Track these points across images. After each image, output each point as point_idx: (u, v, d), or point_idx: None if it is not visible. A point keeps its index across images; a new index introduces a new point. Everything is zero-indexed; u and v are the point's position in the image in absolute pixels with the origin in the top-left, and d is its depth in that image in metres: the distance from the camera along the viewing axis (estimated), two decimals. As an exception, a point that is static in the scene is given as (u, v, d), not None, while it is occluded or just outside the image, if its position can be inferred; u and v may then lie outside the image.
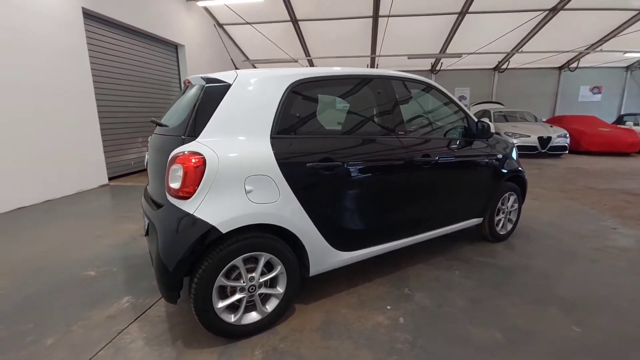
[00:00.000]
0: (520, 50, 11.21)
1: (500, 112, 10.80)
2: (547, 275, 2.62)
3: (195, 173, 1.69)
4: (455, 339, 1.89)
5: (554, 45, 10.77)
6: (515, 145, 3.53)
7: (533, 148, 8.76)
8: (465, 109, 2.91)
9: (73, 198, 5.20)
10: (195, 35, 9.30)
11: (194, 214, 1.69)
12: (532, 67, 12.41)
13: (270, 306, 1.97)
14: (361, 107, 2.49)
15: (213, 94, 1.86)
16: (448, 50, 11.50)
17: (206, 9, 9.77)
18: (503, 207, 3.22)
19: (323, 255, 2.12)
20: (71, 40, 5.40)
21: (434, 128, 2.92)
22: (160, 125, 2.20)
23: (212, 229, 1.68)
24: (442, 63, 12.73)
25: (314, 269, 2.11)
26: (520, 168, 3.31)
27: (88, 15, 5.80)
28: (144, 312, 2.18)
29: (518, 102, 12.64)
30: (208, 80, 1.93)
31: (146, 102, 7.57)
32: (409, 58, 11.39)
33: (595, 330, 1.96)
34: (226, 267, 1.76)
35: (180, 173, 1.70)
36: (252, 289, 1.87)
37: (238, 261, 1.79)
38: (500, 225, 3.26)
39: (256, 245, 1.83)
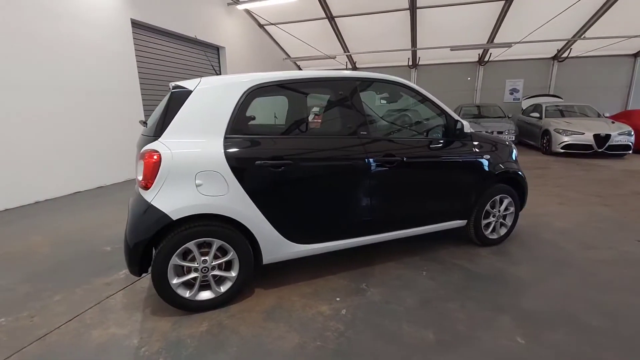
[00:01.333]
0: (582, 37, 9.91)
1: (557, 106, 9.74)
2: (521, 284, 2.49)
3: (153, 168, 2.00)
4: (384, 334, 1.96)
5: (627, 28, 9.33)
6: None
7: (587, 147, 7.79)
8: (445, 108, 2.84)
9: (121, 185, 6.05)
10: (236, 37, 9.92)
11: (151, 203, 2.00)
12: (599, 55, 10.87)
13: (224, 287, 2.23)
14: (319, 109, 2.60)
15: (176, 99, 2.14)
16: (496, 40, 10.64)
17: (247, 11, 10.34)
18: (494, 210, 3.07)
19: (276, 246, 2.31)
20: (121, 47, 6.22)
21: (405, 127, 2.90)
22: (145, 126, 2.56)
23: (164, 215, 1.98)
24: (490, 54, 11.80)
25: (267, 258, 2.31)
26: (517, 169, 3.12)
27: (136, 24, 6.60)
28: (132, 283, 2.59)
29: (582, 95, 11.20)
30: (175, 87, 2.22)
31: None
32: (451, 50, 10.79)
33: (542, 345, 1.86)
34: (179, 249, 2.04)
35: (142, 167, 2.03)
36: (205, 270, 2.14)
37: (191, 245, 2.07)
38: (490, 229, 3.11)
39: (207, 232, 2.09)
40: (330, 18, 10.46)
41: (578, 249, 3.07)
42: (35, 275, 2.72)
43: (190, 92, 2.15)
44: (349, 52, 12.52)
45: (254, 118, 2.26)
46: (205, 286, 2.21)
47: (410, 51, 12.11)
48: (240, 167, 2.12)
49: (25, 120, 4.76)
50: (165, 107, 2.16)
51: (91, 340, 1.94)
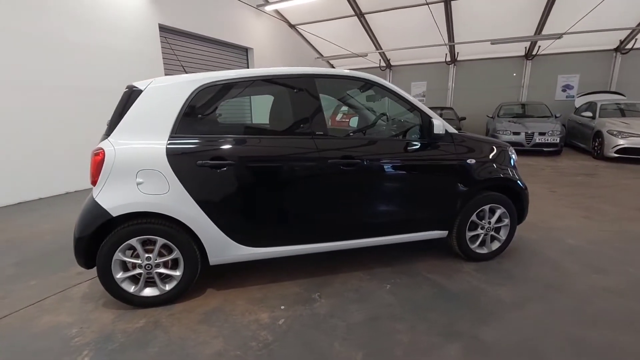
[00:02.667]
0: (653, 23, 8.49)
1: (617, 104, 8.50)
2: (494, 309, 2.16)
3: (97, 165, 2.07)
4: (311, 351, 1.81)
5: None
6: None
7: (648, 152, 6.68)
8: (421, 107, 2.57)
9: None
10: (265, 38, 10.11)
11: (95, 199, 2.07)
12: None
13: (169, 286, 2.24)
14: (270, 108, 2.49)
15: (128, 99, 2.19)
16: (545, 31, 9.55)
17: (277, 12, 10.48)
18: (482, 221, 2.73)
19: (222, 247, 2.27)
20: (148, 50, 6.65)
21: (372, 128, 2.68)
22: None
23: (105, 212, 2.03)
24: (539, 46, 10.62)
25: (214, 259, 2.28)
26: (513, 176, 2.74)
27: (163, 28, 7.01)
28: (102, 274, 2.72)
29: (653, 91, 9.63)
30: (129, 86, 2.27)
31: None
32: (492, 44, 9.92)
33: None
34: (122, 245, 2.09)
35: (90, 164, 2.10)
36: (149, 267, 2.17)
37: (133, 242, 2.11)
38: (478, 242, 2.76)
39: (149, 230, 2.11)
40: (360, 15, 10.20)
41: (583, 272, 2.61)
42: (26, 260, 2.98)
43: (141, 91, 2.19)
44: (381, 49, 12.13)
45: (200, 117, 2.23)
46: (151, 283, 2.24)
47: (447, 47, 11.37)
48: (181, 166, 2.11)
49: (60, 120, 5.29)
50: (117, 106, 2.22)
51: (38, 326, 2.06)
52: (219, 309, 2.21)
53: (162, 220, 2.13)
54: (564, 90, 10.90)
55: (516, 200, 2.79)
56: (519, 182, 2.77)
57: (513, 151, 2.91)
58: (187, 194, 2.13)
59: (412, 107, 2.58)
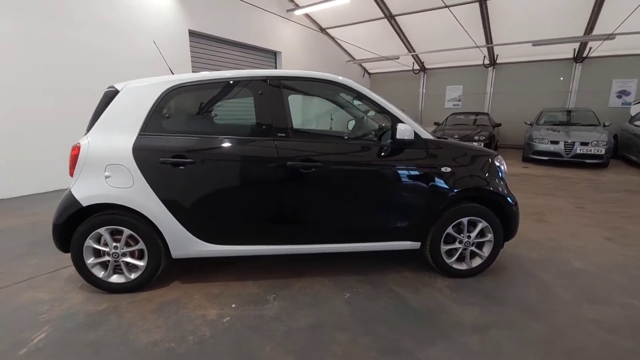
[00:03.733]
0: None
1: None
2: (450, 331, 2.00)
3: (73, 158, 2.26)
4: (242, 352, 1.82)
5: None
6: (500, 160, 2.64)
7: None
8: (391, 110, 2.45)
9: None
10: (293, 42, 10.30)
11: (70, 189, 2.26)
12: None
13: (134, 274, 2.38)
14: (234, 109, 2.53)
15: (106, 98, 2.37)
16: (596, 31, 8.61)
17: (307, 16, 10.64)
18: (461, 235, 2.53)
19: (183, 242, 2.35)
20: (178, 55, 7.11)
21: (337, 130, 2.60)
22: None
23: (76, 201, 2.22)
24: (590, 48, 9.58)
25: (175, 252, 2.38)
26: (497, 189, 2.51)
27: (193, 34, 7.45)
28: (92, 259, 2.96)
29: None
30: (109, 87, 2.45)
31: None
32: (533, 45, 9.18)
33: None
34: (92, 233, 2.27)
35: (69, 158, 2.31)
36: (115, 255, 2.33)
37: (102, 230, 2.27)
38: (456, 257, 2.57)
39: (116, 220, 2.27)
40: (390, 17, 10.00)
41: (574, 301, 2.31)
42: (37, 242, 3.32)
43: (117, 91, 2.36)
44: (414, 51, 11.77)
45: (167, 116, 2.34)
46: (119, 271, 2.39)
47: (485, 48, 10.72)
48: (145, 162, 2.23)
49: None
50: (98, 105, 2.41)
51: (17, 301, 2.29)
52: (174, 301, 2.30)
53: (128, 213, 2.27)
54: (619, 97, 9.72)
55: (502, 215, 2.55)
56: (503, 194, 2.53)
57: (502, 161, 2.66)
58: (150, 189, 2.25)
59: (381, 110, 2.47)
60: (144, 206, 2.25)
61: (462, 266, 2.60)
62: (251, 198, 2.35)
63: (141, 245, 2.32)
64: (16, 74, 4.88)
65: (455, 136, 9.05)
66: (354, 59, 13.15)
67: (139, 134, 2.27)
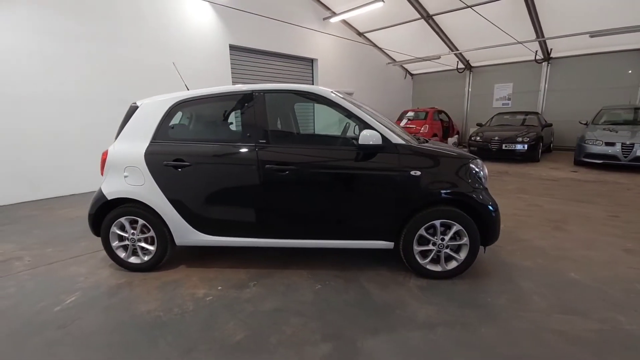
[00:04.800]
0: None
1: None
2: (399, 324, 2.12)
3: (103, 162, 2.86)
4: (209, 322, 2.17)
5: None
6: (477, 163, 2.62)
7: None
8: (360, 115, 2.59)
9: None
10: (330, 48, 10.61)
11: (101, 186, 2.86)
12: None
13: (148, 257, 2.89)
14: (225, 119, 2.89)
15: (129, 113, 2.93)
16: (671, 15, 7.46)
17: (344, 22, 10.89)
18: (435, 237, 2.60)
19: (184, 232, 2.81)
20: (219, 68, 7.89)
21: (310, 136, 2.82)
22: None
23: (103, 196, 2.80)
24: (666, 35, 8.28)
25: (178, 241, 2.84)
26: (472, 191, 2.53)
27: (233, 47, 8.19)
28: (125, 244, 3.60)
29: None
30: (133, 103, 3.00)
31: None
32: (590, 36, 8.29)
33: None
34: (116, 221, 2.83)
35: (100, 161, 2.91)
36: (133, 241, 2.87)
37: (123, 220, 2.83)
38: (430, 258, 2.64)
39: (133, 212, 2.80)
40: (427, 17, 9.79)
41: (547, 311, 2.24)
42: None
43: (137, 107, 2.91)
44: (457, 50, 11.31)
45: (172, 126, 2.82)
46: (136, 253, 2.93)
47: (536, 43, 9.90)
48: (153, 165, 2.73)
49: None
50: (123, 118, 2.98)
51: (64, 272, 2.94)
52: (176, 281, 2.76)
53: (142, 206, 2.79)
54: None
55: (478, 218, 2.55)
56: (477, 198, 2.53)
57: (481, 166, 2.65)
58: (157, 187, 2.74)
59: (349, 115, 2.64)
60: (152, 201, 2.75)
61: (437, 268, 2.66)
62: (237, 196, 2.72)
63: (152, 233, 2.83)
64: (86, 90, 5.94)
65: (496, 138, 8.59)
66: (394, 61, 13.03)
67: (151, 142, 2.78)
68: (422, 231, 2.59)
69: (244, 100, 2.74)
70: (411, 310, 2.27)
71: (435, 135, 11.08)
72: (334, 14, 10.04)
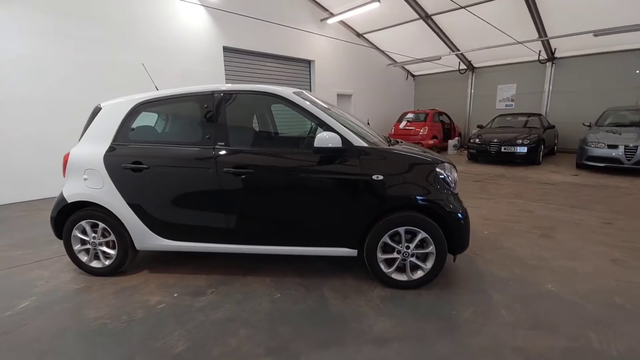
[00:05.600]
0: None
1: None
2: (350, 337, 2.00)
3: (64, 164, 2.81)
4: (154, 332, 2.08)
5: None
6: (444, 169, 2.48)
7: None
8: (321, 117, 2.47)
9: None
10: (327, 49, 10.51)
11: (62, 189, 2.81)
12: None
13: (109, 261, 2.83)
14: (185, 121, 2.81)
15: (93, 114, 2.87)
16: (680, 12, 7.13)
17: (343, 23, 10.78)
18: (400, 245, 2.46)
19: (143, 237, 2.73)
20: (213, 70, 7.86)
21: (272, 139, 2.72)
22: None
23: (63, 199, 2.75)
24: (675, 33, 7.91)
25: (138, 245, 2.77)
26: (439, 198, 2.39)
27: (227, 49, 8.16)
28: (97, 247, 3.55)
29: None
30: (97, 105, 2.95)
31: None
32: (595, 35, 8.00)
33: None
34: (77, 224, 2.78)
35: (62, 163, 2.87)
36: (93, 244, 2.81)
37: (84, 223, 2.77)
38: (395, 267, 2.50)
39: (94, 215, 2.74)
40: (426, 17, 9.61)
41: (513, 325, 2.09)
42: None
43: (100, 108, 2.86)
44: (457, 50, 11.08)
45: (132, 128, 2.75)
46: (97, 257, 2.87)
47: (539, 43, 9.62)
48: (112, 168, 2.67)
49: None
50: (87, 120, 2.93)
51: (26, 275, 2.90)
52: (133, 287, 2.68)
53: (102, 209, 2.73)
54: None
55: (445, 225, 2.41)
56: (446, 204, 2.39)
57: (447, 170, 2.51)
58: (116, 190, 2.67)
59: (311, 117, 2.52)
60: (111, 204, 2.69)
61: (403, 277, 2.52)
62: (196, 200, 2.63)
63: (113, 237, 2.76)
64: (77, 93, 5.97)
65: (495, 140, 8.36)
66: (395, 62, 12.86)
67: (111, 144, 2.72)
68: (386, 238, 2.46)
69: (203, 101, 2.65)
70: (367, 323, 2.14)
71: (435, 137, 10.89)
72: (332, 14, 9.95)
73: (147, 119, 2.83)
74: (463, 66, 12.13)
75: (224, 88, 2.66)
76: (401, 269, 2.53)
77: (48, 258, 3.28)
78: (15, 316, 2.30)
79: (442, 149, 11.29)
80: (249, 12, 8.17)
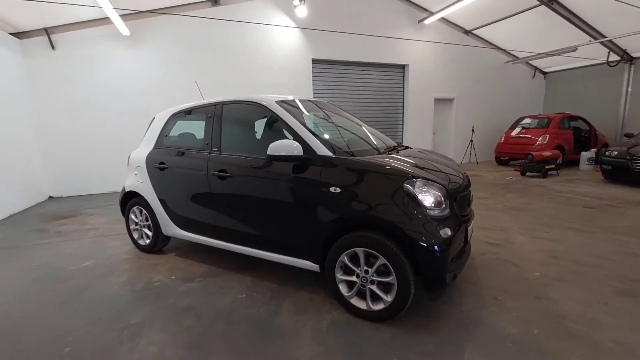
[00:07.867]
0: None
1: None
2: (271, 355, 1.93)
3: (128, 163, 3.66)
4: (133, 302, 2.53)
5: None
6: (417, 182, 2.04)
7: None
8: (300, 130, 2.42)
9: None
10: (424, 52, 9.77)
11: (125, 182, 3.67)
12: None
13: (148, 241, 3.54)
14: (196, 128, 3.16)
15: (150, 123, 3.65)
16: None
17: (445, 21, 9.84)
18: (358, 269, 2.21)
19: (166, 224, 3.32)
20: (302, 82, 8.49)
21: (252, 145, 2.80)
22: None
23: (124, 188, 3.60)
24: None
25: (164, 231, 3.37)
26: (400, 220, 2.02)
27: (316, 61, 8.65)
28: (161, 229, 4.44)
29: None
30: (154, 116, 3.71)
31: (372, 117, 9.51)
32: None
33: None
34: (132, 209, 3.60)
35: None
36: (140, 225, 3.57)
37: (135, 209, 3.57)
38: (354, 291, 2.24)
39: (139, 203, 3.50)
40: (549, 1, 7.82)
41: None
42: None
43: (154, 118, 3.61)
44: (604, 37, 8.54)
45: (166, 135, 3.35)
46: (142, 236, 3.62)
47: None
48: (149, 166, 3.34)
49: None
50: (147, 128, 3.73)
51: (103, 244, 3.91)
52: (155, 264, 3.27)
53: (143, 199, 3.45)
54: None
55: (413, 252, 2.02)
56: (409, 229, 1.99)
57: (421, 188, 2.06)
58: (151, 184, 3.33)
59: (285, 128, 2.52)
60: (148, 195, 3.37)
61: (362, 305, 2.24)
62: (194, 198, 3.02)
63: (149, 222, 3.45)
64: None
65: (639, 155, 6.14)
66: (516, 58, 10.89)
67: (154, 147, 3.41)
68: (344, 258, 2.24)
69: (208, 111, 3.02)
70: (296, 344, 2.02)
71: (559, 147, 8.68)
72: (431, 13, 9.25)
73: (183, 126, 3.41)
74: (614, 57, 9.25)
75: (223, 100, 2.97)
76: (362, 295, 2.25)
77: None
78: (76, 271, 3.17)
79: (570, 162, 8.91)
80: (339, 22, 8.41)
